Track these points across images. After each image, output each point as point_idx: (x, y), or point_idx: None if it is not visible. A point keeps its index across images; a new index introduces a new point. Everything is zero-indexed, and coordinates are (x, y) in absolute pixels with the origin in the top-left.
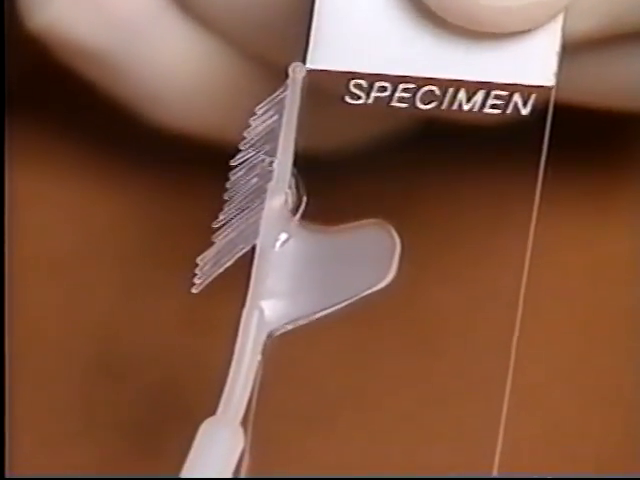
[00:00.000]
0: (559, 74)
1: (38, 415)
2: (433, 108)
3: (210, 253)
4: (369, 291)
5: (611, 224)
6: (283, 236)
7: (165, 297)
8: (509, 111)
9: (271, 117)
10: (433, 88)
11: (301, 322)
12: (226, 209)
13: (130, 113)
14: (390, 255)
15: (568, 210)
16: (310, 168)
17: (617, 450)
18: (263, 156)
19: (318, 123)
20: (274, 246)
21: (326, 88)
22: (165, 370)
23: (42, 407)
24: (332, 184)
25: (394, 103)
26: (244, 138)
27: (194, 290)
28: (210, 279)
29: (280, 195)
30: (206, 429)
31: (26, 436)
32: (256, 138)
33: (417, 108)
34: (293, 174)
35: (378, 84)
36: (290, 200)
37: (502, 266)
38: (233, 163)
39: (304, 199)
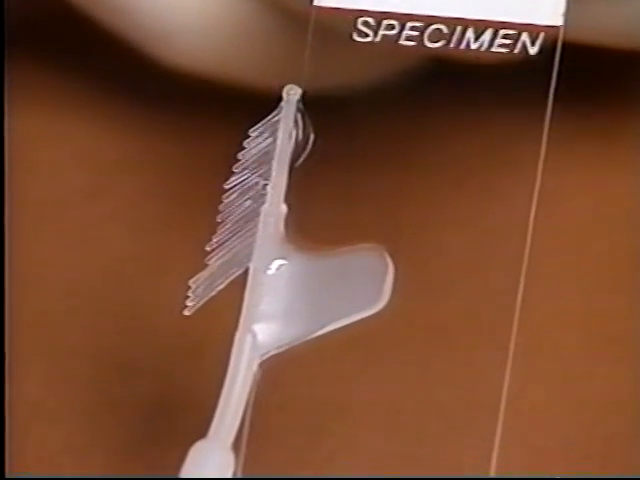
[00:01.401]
0: (567, 13)
1: (41, 357)
2: (441, 47)
3: (203, 275)
4: (362, 315)
5: (618, 165)
6: (277, 261)
7: (173, 237)
8: (517, 50)
9: (265, 139)
10: (441, 26)
11: (293, 344)
12: (220, 231)
13: (137, 51)
14: (383, 280)
15: (575, 151)
16: (318, 107)
17: (623, 391)
18: (257, 179)
19: (326, 61)
20: (267, 269)
21: (334, 26)
22: (174, 311)
23: (45, 349)
24: (340, 123)
25: (402, 41)
26: (238, 160)
27: (186, 312)
28: (203, 301)
29: (274, 218)
30: (197, 452)
31: (29, 378)
32: (250, 160)
33: (425, 46)
34: (300, 111)
35: (386, 22)
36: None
37: (509, 208)
38: (227, 186)
39: (311, 137)
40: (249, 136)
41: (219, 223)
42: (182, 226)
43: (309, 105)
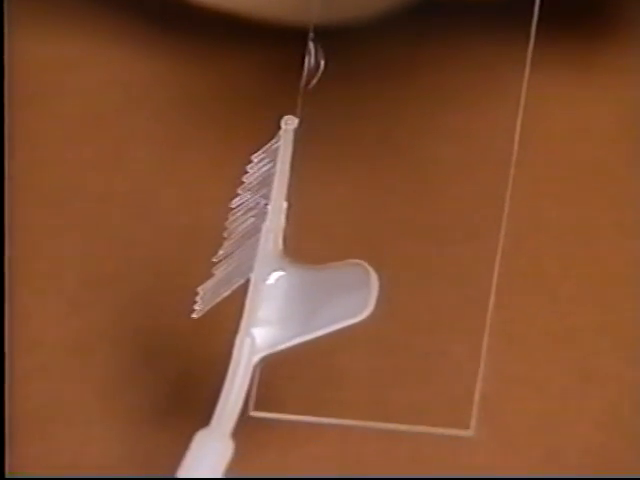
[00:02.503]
0: None
1: (75, 261)
2: None
3: (210, 284)
4: (349, 322)
5: (593, 86)
6: (276, 273)
7: (198, 151)
8: None
9: (266, 164)
10: None
11: (286, 347)
12: (225, 245)
13: None
14: (368, 292)
15: (555, 73)
16: (328, 36)
17: (600, 286)
18: (259, 199)
19: None
20: (266, 280)
21: None
22: (195, 214)
23: (77, 254)
24: (347, 50)
25: None
26: (243, 182)
27: (195, 315)
28: (209, 307)
29: (274, 234)
30: (199, 440)
31: (66, 278)
32: (253, 183)
33: None
34: (312, 40)
35: None
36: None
37: (495, 122)
38: (232, 205)
39: (322, 63)
40: (252, 161)
41: (225, 238)
42: (205, 140)
43: (320, 35)
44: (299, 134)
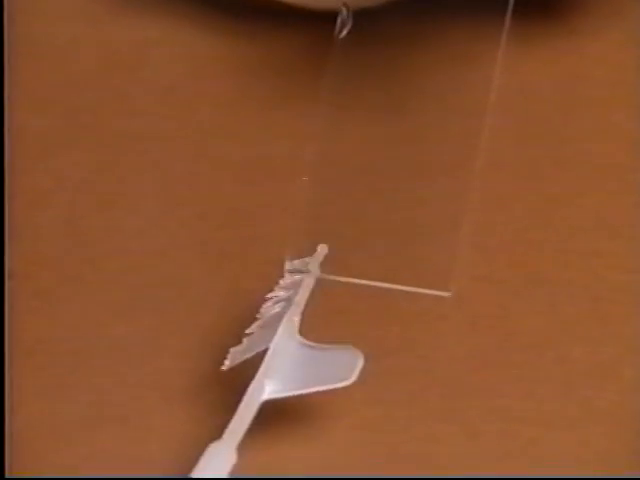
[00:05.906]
0: None
1: None
2: None
3: (240, 348)
4: (334, 386)
5: (547, 60)
6: (290, 348)
7: (251, 107)
8: None
9: (296, 275)
10: None
11: (285, 396)
12: (256, 323)
13: None
14: (354, 368)
15: (521, 50)
16: (357, 11)
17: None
18: (287, 296)
19: None
20: (281, 351)
21: None
22: (249, 152)
23: None
24: (369, 20)
25: None
26: (278, 283)
27: (223, 368)
28: (235, 364)
29: (292, 323)
30: (211, 449)
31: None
32: (286, 286)
33: None
34: (347, 9)
35: None
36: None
37: (472, 85)
38: (267, 297)
39: (350, 22)
40: (286, 269)
41: (257, 318)
42: (257, 98)
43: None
44: (327, 88)
